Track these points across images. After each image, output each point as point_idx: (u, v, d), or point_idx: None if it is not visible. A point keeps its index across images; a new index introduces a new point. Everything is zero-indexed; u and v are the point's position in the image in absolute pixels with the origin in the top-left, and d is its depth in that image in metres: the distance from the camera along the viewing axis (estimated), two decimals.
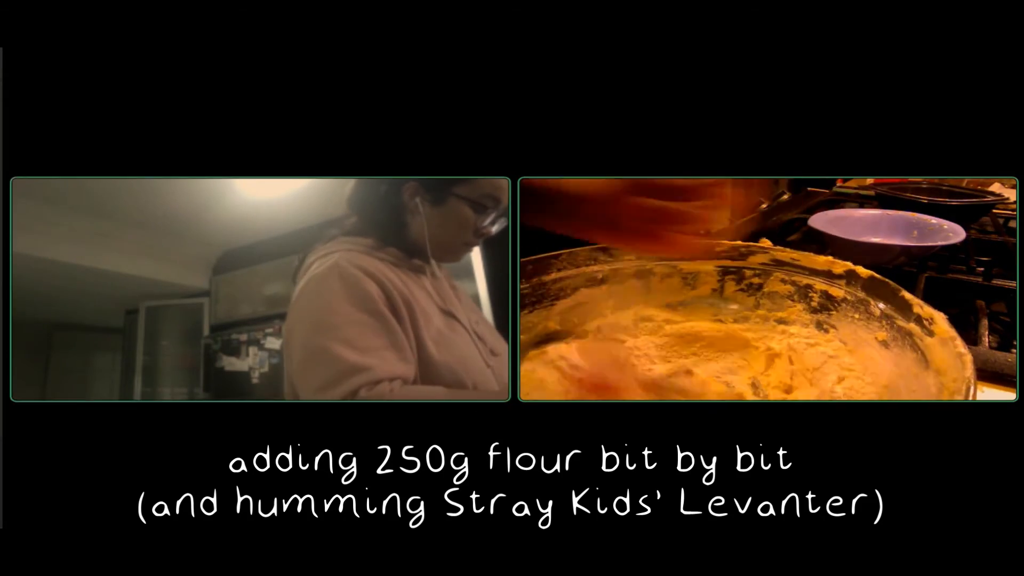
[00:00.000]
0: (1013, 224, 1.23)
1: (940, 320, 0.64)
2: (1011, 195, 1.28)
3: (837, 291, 0.74)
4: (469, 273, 1.94)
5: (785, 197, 1.43)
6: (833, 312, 0.74)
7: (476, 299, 1.96)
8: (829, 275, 0.75)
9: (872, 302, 0.71)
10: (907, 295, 0.68)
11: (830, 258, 0.75)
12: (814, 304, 0.76)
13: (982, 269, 1.00)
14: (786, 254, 0.77)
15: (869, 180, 1.47)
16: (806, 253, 0.77)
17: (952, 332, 0.62)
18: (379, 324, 0.68)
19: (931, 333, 0.64)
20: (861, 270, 0.73)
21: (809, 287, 0.76)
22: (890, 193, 1.20)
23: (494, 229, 0.78)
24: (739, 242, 0.79)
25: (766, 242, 0.81)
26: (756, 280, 0.78)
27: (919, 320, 0.65)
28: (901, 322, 0.67)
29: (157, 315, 2.80)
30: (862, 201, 1.35)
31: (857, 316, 0.72)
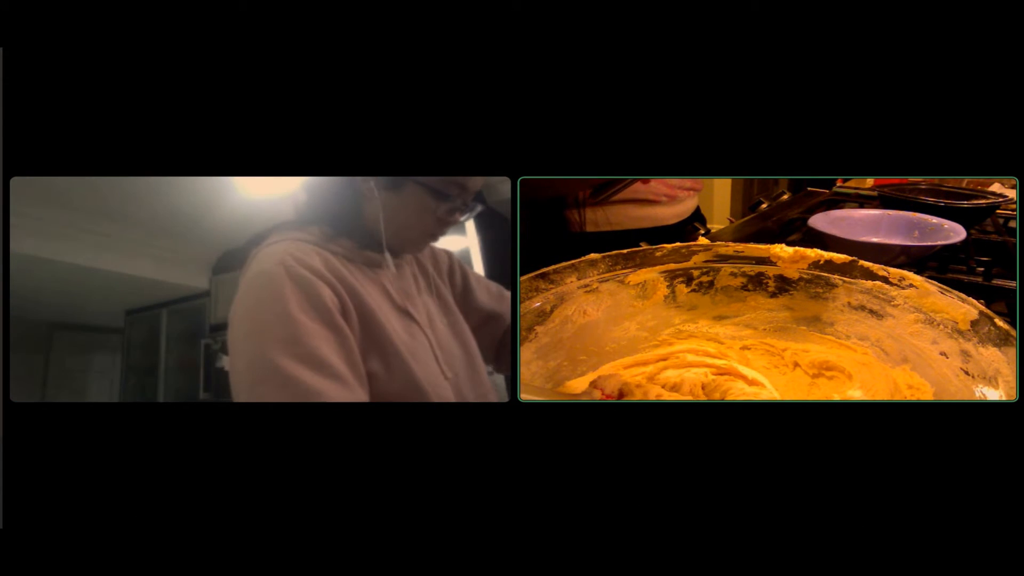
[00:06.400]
0: (1013, 224, 1.23)
1: (914, 276, 0.66)
2: (1012, 195, 1.27)
3: (792, 273, 0.75)
4: None
5: (785, 197, 1.43)
6: (794, 293, 0.75)
7: None
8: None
9: (828, 276, 0.73)
10: (865, 263, 0.71)
11: (780, 245, 0.76)
12: (771, 289, 0.76)
13: (982, 269, 1.00)
14: (728, 248, 0.78)
15: (869, 181, 1.47)
16: (748, 244, 0.78)
17: (933, 287, 0.66)
18: (336, 338, 0.61)
19: (905, 288, 0.66)
20: (808, 251, 0.75)
21: (762, 274, 0.76)
22: (896, 195, 1.19)
23: (461, 219, 0.71)
24: (678, 243, 0.78)
25: (704, 240, 0.81)
26: (705, 279, 0.78)
27: (886, 280, 0.69)
28: (867, 283, 0.71)
29: (158, 316, 2.80)
30: (862, 201, 1.35)
31: (819, 290, 0.74)
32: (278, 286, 0.60)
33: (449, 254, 0.84)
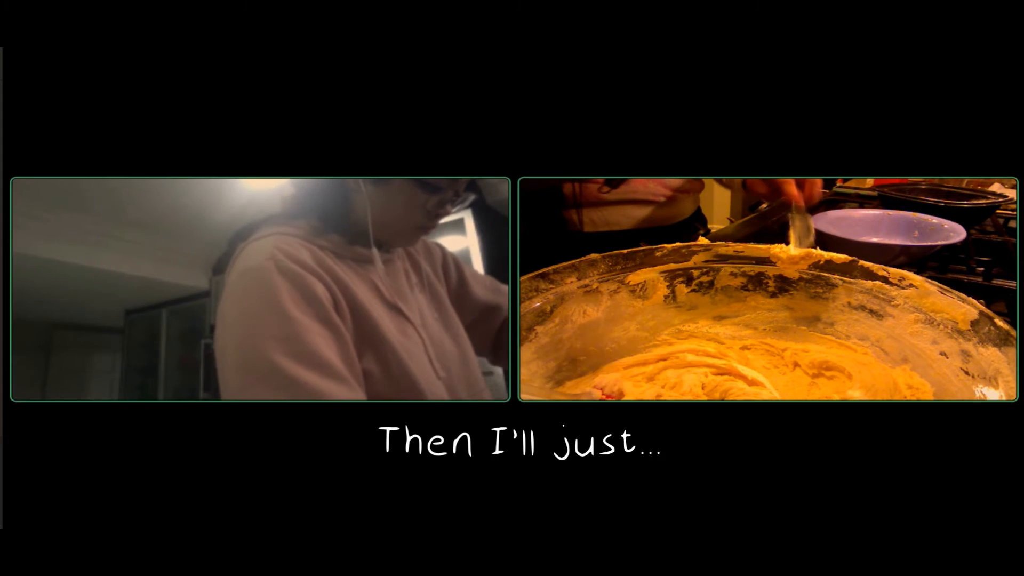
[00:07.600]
0: (1013, 224, 1.23)
1: (914, 276, 0.66)
2: (1012, 195, 1.27)
3: (792, 273, 0.75)
4: None
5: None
6: (794, 293, 0.75)
7: None
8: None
9: (828, 276, 0.74)
10: (865, 263, 0.71)
11: (780, 246, 0.76)
12: (771, 289, 0.76)
13: (982, 269, 1.00)
14: (728, 248, 0.78)
15: (869, 181, 1.47)
16: (748, 244, 0.78)
17: (933, 287, 0.66)
18: (332, 335, 0.60)
19: (905, 288, 0.67)
20: (810, 252, 0.75)
21: (762, 275, 0.76)
22: (896, 195, 1.19)
23: (452, 210, 0.70)
24: (678, 243, 0.78)
25: (704, 240, 0.81)
26: (705, 279, 0.77)
27: (886, 280, 0.70)
28: (867, 283, 0.71)
29: (158, 316, 2.79)
30: (862, 201, 1.35)
31: (819, 290, 0.74)
32: (269, 282, 0.58)
33: (443, 249, 0.83)
